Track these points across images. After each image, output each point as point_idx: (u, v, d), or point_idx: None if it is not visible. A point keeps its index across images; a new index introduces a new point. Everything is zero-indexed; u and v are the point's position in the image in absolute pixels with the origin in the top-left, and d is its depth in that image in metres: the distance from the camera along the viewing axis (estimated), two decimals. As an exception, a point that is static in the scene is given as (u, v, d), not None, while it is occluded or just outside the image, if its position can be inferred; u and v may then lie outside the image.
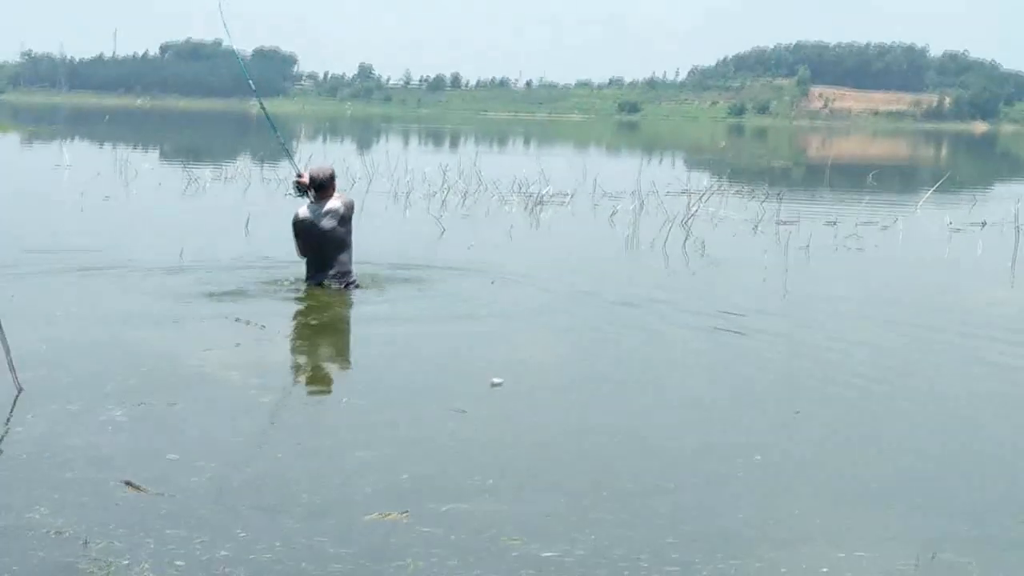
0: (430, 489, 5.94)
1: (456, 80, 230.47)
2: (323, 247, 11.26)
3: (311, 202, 11.37)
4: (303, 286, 11.58)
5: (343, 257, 11.33)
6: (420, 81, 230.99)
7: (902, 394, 8.51)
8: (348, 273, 11.38)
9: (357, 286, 11.46)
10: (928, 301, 12.38)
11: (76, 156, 32.52)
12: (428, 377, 8.43)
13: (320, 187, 11.35)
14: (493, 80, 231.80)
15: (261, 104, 13.65)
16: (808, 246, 15.89)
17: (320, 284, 11.34)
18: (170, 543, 5.11)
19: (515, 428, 7.21)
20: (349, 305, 11.14)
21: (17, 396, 7.25)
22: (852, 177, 33.67)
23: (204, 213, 19.35)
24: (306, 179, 11.44)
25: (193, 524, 5.34)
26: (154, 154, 39.85)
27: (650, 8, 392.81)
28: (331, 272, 11.30)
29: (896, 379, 8.95)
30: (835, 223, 19.11)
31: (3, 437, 6.51)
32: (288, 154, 13.16)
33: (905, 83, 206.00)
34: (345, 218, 11.28)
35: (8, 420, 6.84)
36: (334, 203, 11.28)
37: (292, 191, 11.98)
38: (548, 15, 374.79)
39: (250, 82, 13.22)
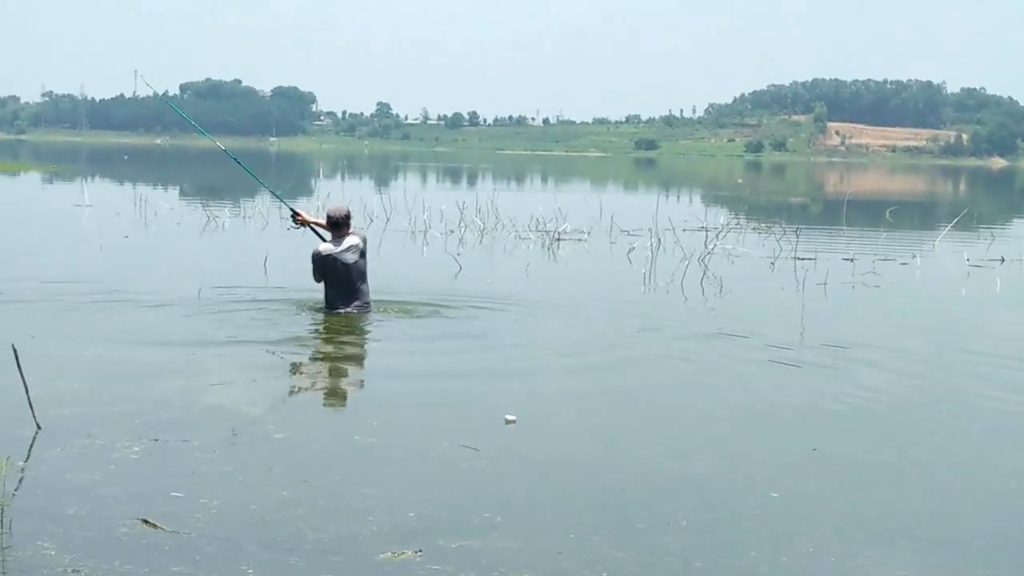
0: (438, 527, 5.93)
1: (473, 118, 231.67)
2: (348, 280, 11.97)
3: (330, 239, 12.05)
4: (320, 319, 11.92)
5: (364, 288, 12.10)
6: (438, 119, 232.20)
7: (922, 431, 8.47)
8: (368, 303, 12.15)
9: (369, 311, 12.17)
10: (948, 337, 12.33)
11: (96, 195, 32.71)
12: (442, 414, 8.43)
13: (336, 225, 12.06)
14: (510, 118, 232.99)
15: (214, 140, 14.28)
16: (825, 282, 15.87)
17: (339, 313, 11.97)
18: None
19: (527, 465, 7.19)
20: (366, 340, 11.22)
21: (36, 434, 7.29)
22: (870, 213, 33.63)
23: (223, 251, 19.45)
24: (303, 216, 12.52)
25: (201, 562, 5.36)
26: (173, 193, 40.10)
27: (667, 46, 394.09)
28: (356, 303, 12.02)
29: (916, 416, 8.92)
30: (853, 259, 19.09)
31: (21, 475, 6.53)
32: (273, 194, 14.29)
33: (922, 119, 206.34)
34: (363, 252, 12.06)
35: (27, 458, 6.87)
36: (353, 239, 12.03)
37: (292, 224, 12.85)
38: (565, 53, 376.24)
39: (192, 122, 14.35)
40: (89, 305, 12.66)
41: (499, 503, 6.34)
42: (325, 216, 12.26)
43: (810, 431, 8.26)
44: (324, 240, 12.19)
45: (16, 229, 22.91)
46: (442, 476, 6.87)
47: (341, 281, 11.97)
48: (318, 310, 12.21)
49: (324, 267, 11.98)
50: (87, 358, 9.94)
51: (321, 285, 12.17)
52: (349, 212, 12.29)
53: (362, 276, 12.03)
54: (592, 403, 8.97)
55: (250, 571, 5.27)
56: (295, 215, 12.61)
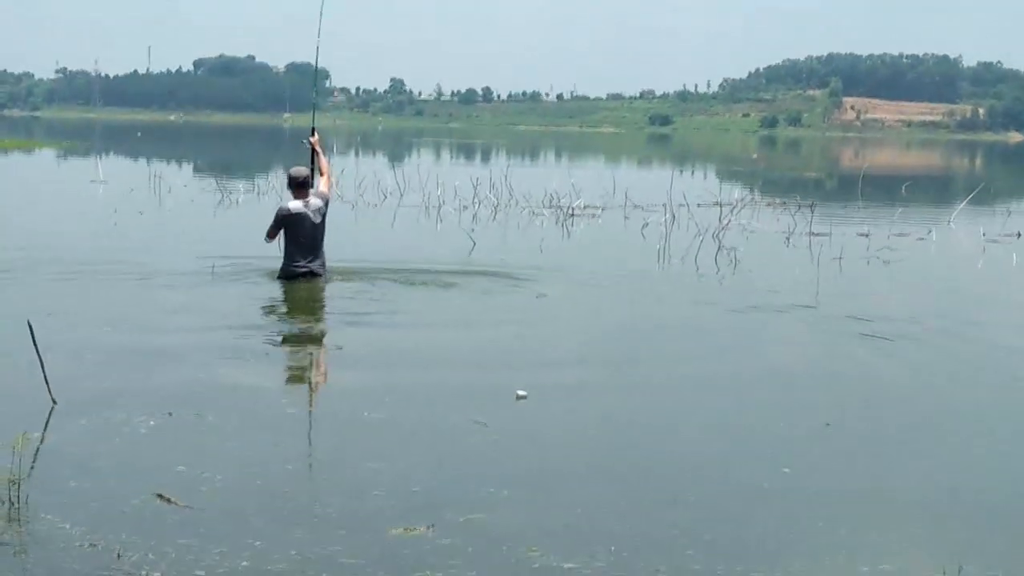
0: (444, 501, 5.95)
1: (487, 94, 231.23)
2: (313, 238, 12.39)
3: (293, 198, 12.42)
4: (333, 294, 12.11)
5: (322, 247, 12.52)
6: (452, 95, 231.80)
7: (935, 406, 8.46)
8: (325, 263, 12.58)
9: (327, 279, 12.56)
10: (964, 311, 12.29)
11: (111, 171, 32.77)
12: (454, 390, 8.43)
13: (301, 186, 12.48)
14: (524, 93, 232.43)
15: None
16: (840, 257, 15.83)
17: (304, 273, 12.33)
18: (189, 554, 5.16)
19: (536, 439, 7.21)
20: (380, 313, 11.22)
21: (52, 409, 7.33)
22: (885, 188, 33.50)
23: (236, 226, 19.45)
24: (316, 142, 12.98)
25: (212, 535, 5.39)
26: (187, 169, 40.15)
27: (681, 21, 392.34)
28: (316, 261, 12.43)
29: (930, 391, 8.91)
30: (868, 234, 19.03)
31: (37, 451, 6.57)
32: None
33: (938, 94, 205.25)
34: (325, 214, 12.47)
35: (43, 434, 6.91)
36: (317, 201, 12.44)
37: (306, 141, 13.16)
38: (579, 28, 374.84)
39: None
40: (104, 280, 12.73)
41: (506, 478, 6.36)
42: (287, 177, 12.66)
43: (823, 405, 8.24)
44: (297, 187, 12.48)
45: (31, 206, 22.98)
46: (450, 451, 6.88)
47: (305, 238, 12.32)
48: (340, 280, 12.62)
49: (291, 224, 12.31)
50: (102, 334, 9.97)
51: (272, 244, 12.61)
52: (310, 174, 12.65)
53: (323, 235, 12.46)
54: (604, 378, 8.96)
55: (258, 543, 5.30)
56: (313, 133, 13.00)
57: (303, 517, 5.66)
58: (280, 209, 12.47)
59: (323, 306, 11.67)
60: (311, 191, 12.49)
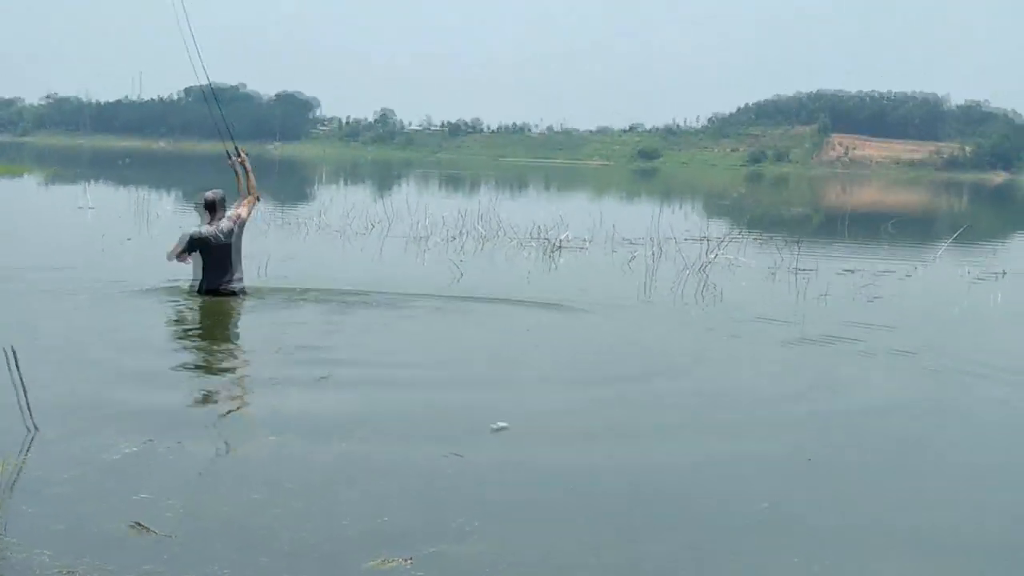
0: (411, 530, 5.94)
1: (475, 125, 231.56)
2: (224, 259, 13.03)
3: (206, 223, 13.09)
4: (322, 317, 12.59)
5: (239, 267, 13.18)
6: (440, 126, 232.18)
7: (918, 440, 8.47)
8: (242, 280, 13.25)
9: (246, 293, 13.26)
10: (947, 347, 12.31)
11: (98, 198, 32.74)
12: (431, 420, 8.43)
13: (212, 208, 13.16)
14: (512, 125, 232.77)
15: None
16: (826, 293, 15.86)
17: (223, 291, 13.00)
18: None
19: (511, 472, 7.20)
20: (366, 339, 11.24)
21: (32, 436, 7.29)
22: (871, 226, 33.64)
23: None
24: (244, 160, 13.49)
25: (184, 564, 5.39)
26: (174, 196, 40.12)
27: (669, 56, 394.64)
28: (230, 281, 13.08)
29: (912, 425, 8.92)
30: (853, 271, 19.08)
31: (16, 478, 6.52)
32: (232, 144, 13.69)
33: (924, 132, 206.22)
34: (237, 233, 13.10)
35: (23, 461, 6.86)
36: (227, 222, 13.11)
37: (231, 160, 13.54)
38: (567, 62, 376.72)
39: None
40: (88, 306, 12.74)
41: (479, 509, 6.35)
42: (203, 200, 13.24)
43: (805, 439, 8.25)
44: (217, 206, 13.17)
45: (17, 230, 22.90)
46: (422, 482, 6.87)
47: (217, 259, 13.00)
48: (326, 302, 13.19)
49: (202, 247, 12.99)
50: (84, 359, 9.95)
51: (183, 266, 13.19)
52: (224, 197, 13.25)
53: (236, 255, 13.11)
54: (584, 410, 8.96)
55: (226, 571, 5.29)
56: (237, 153, 13.45)
57: (274, 547, 5.64)
58: (191, 233, 13.07)
59: (305, 330, 11.65)
60: (226, 214, 13.15)
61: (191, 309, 12.85)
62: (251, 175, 13.57)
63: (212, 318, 12.60)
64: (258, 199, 13.82)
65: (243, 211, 13.30)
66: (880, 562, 5.87)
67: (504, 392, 9.45)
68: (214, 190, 13.41)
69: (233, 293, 13.09)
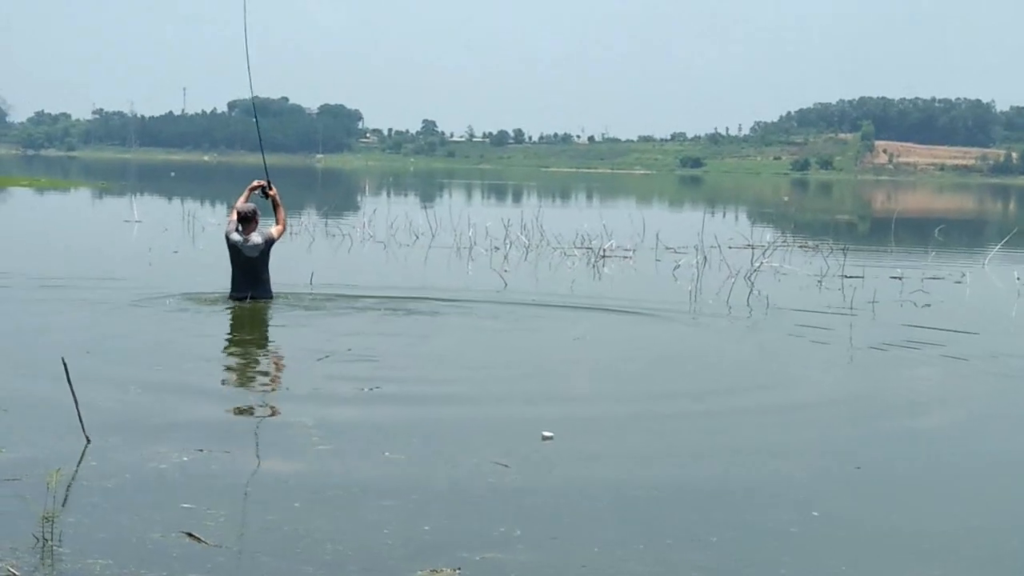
0: (452, 540, 5.95)
1: (519, 135, 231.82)
2: (250, 271, 13.65)
3: (239, 231, 13.67)
4: (372, 323, 12.96)
5: (264, 279, 13.73)
6: (483, 136, 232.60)
7: (970, 449, 8.37)
8: (268, 292, 13.78)
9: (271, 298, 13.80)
10: (1001, 355, 12.17)
11: (145, 211, 33.01)
12: (477, 429, 8.44)
13: (244, 220, 13.72)
14: (555, 135, 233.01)
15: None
16: (874, 301, 15.73)
17: (243, 299, 13.55)
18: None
19: (556, 481, 7.15)
20: (417, 346, 11.30)
21: (86, 447, 7.35)
22: (918, 232, 33.35)
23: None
24: (274, 193, 14.08)
25: (235, 573, 5.44)
26: (221, 209, 40.37)
27: (712, 63, 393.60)
28: (255, 292, 13.61)
29: (964, 433, 8.82)
30: (901, 278, 18.92)
31: (70, 488, 6.57)
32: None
33: (971, 138, 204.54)
34: (264, 251, 13.68)
35: (76, 471, 6.92)
36: (257, 238, 13.67)
37: (261, 192, 14.21)
38: (610, 71, 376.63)
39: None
40: (136, 317, 12.86)
41: (522, 517, 6.33)
42: (235, 212, 13.83)
43: (854, 447, 8.18)
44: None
45: (67, 244, 23.13)
46: (465, 491, 6.86)
47: (242, 270, 13.66)
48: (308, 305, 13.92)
49: (231, 251, 13.75)
50: (135, 369, 10.03)
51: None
52: (256, 211, 13.82)
53: (263, 268, 13.69)
54: (631, 419, 8.93)
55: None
56: (269, 186, 14.05)
57: (317, 557, 5.66)
58: (226, 233, 13.91)
59: (356, 339, 11.68)
60: (257, 231, 13.72)
61: (237, 318, 13.03)
62: (281, 209, 14.21)
63: (258, 328, 12.76)
64: (284, 231, 14.57)
65: (275, 233, 13.96)
66: (929, 571, 5.80)
67: (551, 402, 9.43)
68: (246, 204, 13.92)
69: (259, 299, 13.65)
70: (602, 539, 6.02)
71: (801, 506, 6.71)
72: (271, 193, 14.09)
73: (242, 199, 13.98)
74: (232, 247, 13.73)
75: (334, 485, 6.87)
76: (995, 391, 10.47)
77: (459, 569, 5.52)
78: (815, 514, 6.58)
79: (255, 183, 14.20)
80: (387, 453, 7.58)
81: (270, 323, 12.98)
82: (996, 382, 10.83)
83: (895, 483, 7.40)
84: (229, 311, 13.38)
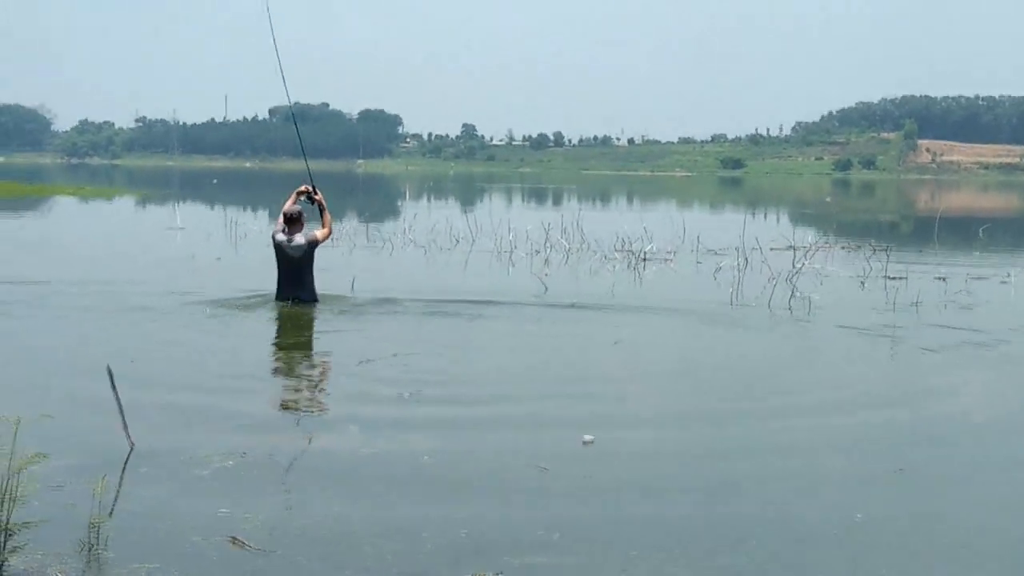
0: (490, 543, 5.97)
1: (558, 138, 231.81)
2: (292, 271, 13.91)
3: (285, 232, 13.96)
4: (409, 330, 12.89)
5: (307, 280, 13.98)
6: (523, 139, 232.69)
7: (1014, 451, 8.30)
8: (312, 294, 14.02)
9: (317, 301, 14.05)
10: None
11: (188, 218, 33.29)
12: (518, 433, 8.46)
13: (289, 221, 14.01)
14: (595, 138, 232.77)
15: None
16: (918, 302, 15.62)
17: (290, 300, 13.85)
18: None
19: (595, 484, 7.15)
20: (456, 352, 11.32)
21: (130, 452, 7.43)
22: (962, 231, 33.07)
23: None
24: (320, 197, 14.27)
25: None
26: (263, 215, 40.63)
27: (752, 64, 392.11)
28: (297, 292, 13.89)
29: (1007, 435, 8.75)
30: (945, 278, 18.77)
31: (117, 494, 6.65)
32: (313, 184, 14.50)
33: (1016, 135, 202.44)
34: (308, 252, 13.92)
35: (121, 477, 6.99)
36: (300, 238, 13.93)
37: (307, 198, 14.38)
38: (649, 72, 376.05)
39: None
40: (180, 322, 12.97)
41: (560, 522, 6.34)
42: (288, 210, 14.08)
43: (896, 449, 8.14)
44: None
45: (113, 251, 23.35)
46: (504, 495, 6.88)
47: (285, 270, 13.95)
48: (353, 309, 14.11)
49: (276, 251, 14.02)
50: (178, 373, 10.15)
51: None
52: (301, 212, 14.09)
53: (306, 270, 13.93)
54: (672, 423, 8.92)
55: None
56: (315, 191, 14.24)
57: (357, 563, 5.70)
58: (272, 233, 14.23)
59: (393, 343, 11.72)
60: (302, 232, 13.96)
61: (279, 322, 13.21)
62: (326, 213, 14.35)
63: (300, 332, 12.87)
64: (330, 235, 14.67)
65: (319, 235, 14.12)
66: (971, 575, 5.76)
67: (592, 405, 9.42)
68: (295, 206, 14.17)
69: (303, 302, 13.87)
70: (641, 543, 6.03)
71: (843, 508, 6.69)
72: (316, 198, 14.25)
73: (289, 202, 14.22)
74: (277, 247, 13.99)
75: (374, 489, 6.91)
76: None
77: (500, 573, 5.55)
78: (858, 516, 6.55)
79: (301, 188, 14.33)
80: (426, 457, 7.61)
81: (313, 327, 13.08)
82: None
83: (938, 485, 7.35)
84: (272, 315, 13.52)
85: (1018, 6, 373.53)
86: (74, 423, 8.21)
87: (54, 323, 13.03)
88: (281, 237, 13.96)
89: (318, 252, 14.12)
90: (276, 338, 12.70)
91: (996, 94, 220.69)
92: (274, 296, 14.05)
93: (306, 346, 12.27)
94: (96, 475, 6.25)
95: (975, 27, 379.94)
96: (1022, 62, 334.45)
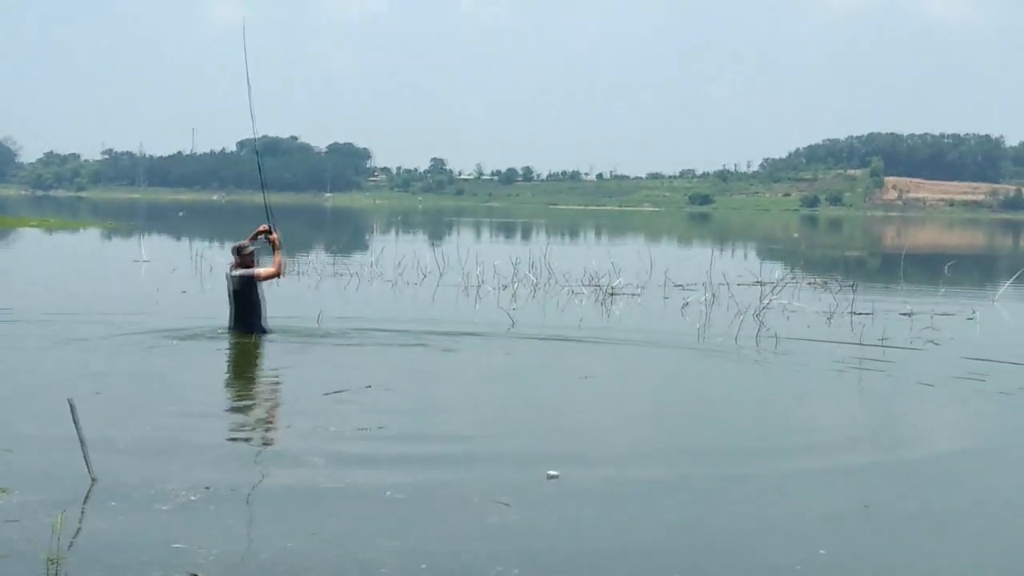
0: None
1: (527, 173, 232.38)
2: (235, 302, 14.38)
3: (232, 263, 14.56)
4: (388, 360, 12.80)
5: (245, 312, 14.28)
6: (492, 174, 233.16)
7: (979, 486, 8.31)
8: (251, 326, 14.25)
9: (266, 332, 14.27)
10: (1009, 391, 12.11)
11: (153, 251, 33.08)
12: (482, 468, 8.40)
13: (235, 252, 14.64)
14: (564, 173, 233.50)
15: None
16: (885, 338, 15.68)
17: (230, 329, 14.24)
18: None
19: (557, 520, 7.11)
20: (426, 382, 11.25)
21: (91, 487, 7.33)
22: (928, 268, 33.30)
23: (277, 305, 19.53)
24: (275, 238, 14.73)
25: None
26: (229, 248, 40.46)
27: (720, 100, 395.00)
28: (238, 324, 14.27)
29: (973, 470, 8.77)
30: (911, 314, 18.86)
31: (77, 530, 6.55)
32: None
33: (981, 173, 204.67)
34: (246, 284, 14.26)
35: (82, 512, 6.89)
36: (241, 271, 14.36)
37: (264, 236, 14.85)
38: (618, 108, 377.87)
39: None
40: (146, 356, 12.84)
41: (520, 558, 6.31)
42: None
43: (862, 484, 8.14)
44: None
45: (75, 284, 23.17)
46: (464, 530, 6.84)
47: (231, 301, 14.42)
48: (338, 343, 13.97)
49: (228, 286, 14.47)
50: (142, 407, 10.04)
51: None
52: (244, 246, 14.57)
53: (244, 301, 14.28)
54: (639, 457, 8.90)
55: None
56: (271, 231, 14.72)
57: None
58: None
59: (365, 373, 11.66)
60: (245, 264, 14.40)
61: (242, 355, 13.14)
62: (279, 253, 14.69)
63: (263, 364, 12.82)
64: (279, 275, 14.84)
65: (261, 272, 14.49)
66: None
67: (557, 440, 9.38)
68: (247, 241, 14.76)
69: (243, 333, 14.19)
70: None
71: (808, 543, 6.67)
72: (272, 238, 14.68)
73: (246, 240, 14.62)
74: (226, 277, 14.60)
75: (335, 523, 6.86)
76: (1007, 429, 10.41)
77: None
78: (822, 552, 6.53)
79: (261, 227, 14.72)
80: (389, 492, 7.55)
81: (275, 359, 13.03)
82: (1008, 420, 10.77)
83: (903, 521, 7.34)
84: (235, 348, 13.47)
85: (982, 46, 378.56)
86: (35, 457, 8.11)
87: (15, 355, 12.90)
88: (226, 268, 14.63)
89: (280, 286, 14.13)
90: (241, 370, 12.64)
91: (961, 132, 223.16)
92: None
93: (272, 378, 12.20)
94: (56, 510, 6.16)
95: (941, 65, 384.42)
96: (987, 100, 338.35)
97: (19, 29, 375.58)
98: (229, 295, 14.50)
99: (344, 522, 6.90)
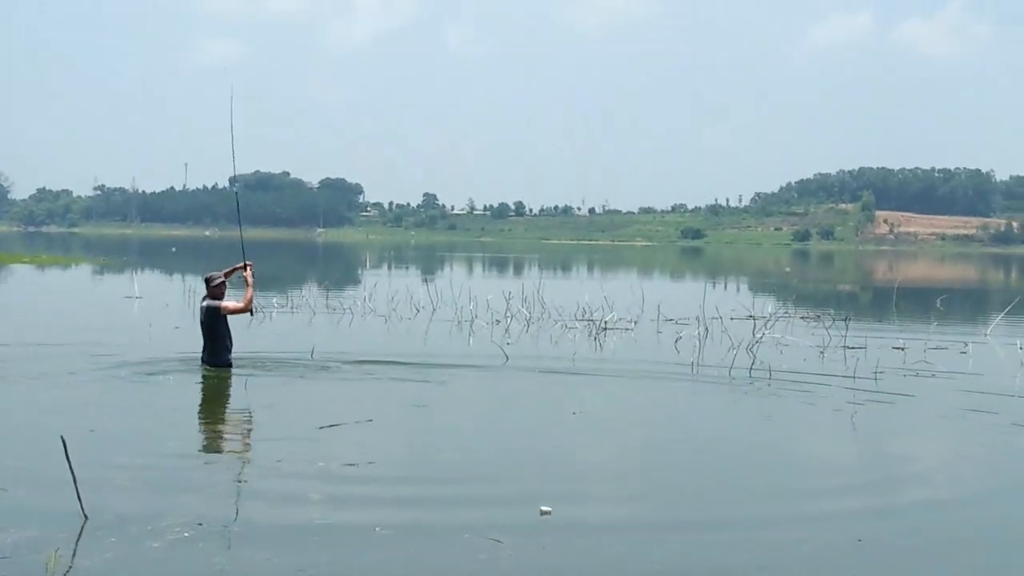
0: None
1: (520, 208, 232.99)
2: (203, 333, 14.56)
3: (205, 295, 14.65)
4: (384, 392, 12.52)
5: (211, 344, 14.42)
6: (484, 209, 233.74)
7: (973, 521, 8.30)
8: (217, 359, 14.35)
9: (225, 367, 14.30)
10: (1003, 424, 12.11)
11: (146, 287, 33.04)
12: (475, 504, 8.37)
13: (206, 283, 14.77)
14: (556, 208, 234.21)
15: None
16: (878, 371, 15.69)
17: (204, 362, 14.41)
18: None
19: (549, 557, 7.08)
20: (412, 413, 11.21)
21: (83, 525, 7.29)
22: (920, 302, 33.37)
23: (269, 337, 19.50)
24: (248, 276, 14.81)
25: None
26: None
27: (713, 135, 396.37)
28: (204, 355, 14.46)
29: (968, 505, 8.76)
30: (904, 348, 18.87)
31: (69, 568, 6.51)
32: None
33: (971, 207, 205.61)
34: (212, 315, 14.39)
35: (74, 551, 6.86)
36: (208, 302, 14.55)
37: (241, 271, 15.01)
38: (610, 144, 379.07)
39: None
40: (139, 392, 12.82)
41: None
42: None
43: (855, 519, 8.12)
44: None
45: (68, 321, 23.11)
46: (454, 568, 6.80)
47: (203, 335, 14.56)
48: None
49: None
50: (137, 447, 9.98)
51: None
52: (212, 278, 14.67)
53: (208, 333, 14.44)
54: (632, 495, 8.88)
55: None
56: (245, 268, 14.87)
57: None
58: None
59: (361, 407, 11.63)
60: (214, 297, 14.51)
61: (237, 390, 13.02)
62: (250, 290, 14.68)
63: (257, 398, 12.70)
64: (250, 311, 14.96)
65: (230, 305, 14.59)
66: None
67: (550, 476, 9.35)
68: (214, 272, 14.95)
69: (208, 365, 14.33)
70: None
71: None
72: (244, 275, 14.93)
73: (220, 273, 14.91)
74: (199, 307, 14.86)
75: (325, 560, 6.84)
76: (1001, 462, 10.41)
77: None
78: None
79: (237, 266, 15.01)
80: (378, 528, 7.52)
81: (269, 393, 13.01)
82: (1002, 453, 10.77)
83: (896, 556, 7.32)
84: (226, 383, 13.55)
85: (971, 82, 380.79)
86: (28, 496, 8.07)
87: (7, 391, 12.84)
88: (199, 301, 14.90)
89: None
90: (235, 404, 12.58)
91: (952, 166, 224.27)
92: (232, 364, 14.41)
93: (266, 412, 12.08)
94: (49, 548, 6.12)
95: (930, 100, 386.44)
96: (977, 135, 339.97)
97: (10, 64, 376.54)
98: (201, 328, 14.66)
99: (333, 558, 6.87)
